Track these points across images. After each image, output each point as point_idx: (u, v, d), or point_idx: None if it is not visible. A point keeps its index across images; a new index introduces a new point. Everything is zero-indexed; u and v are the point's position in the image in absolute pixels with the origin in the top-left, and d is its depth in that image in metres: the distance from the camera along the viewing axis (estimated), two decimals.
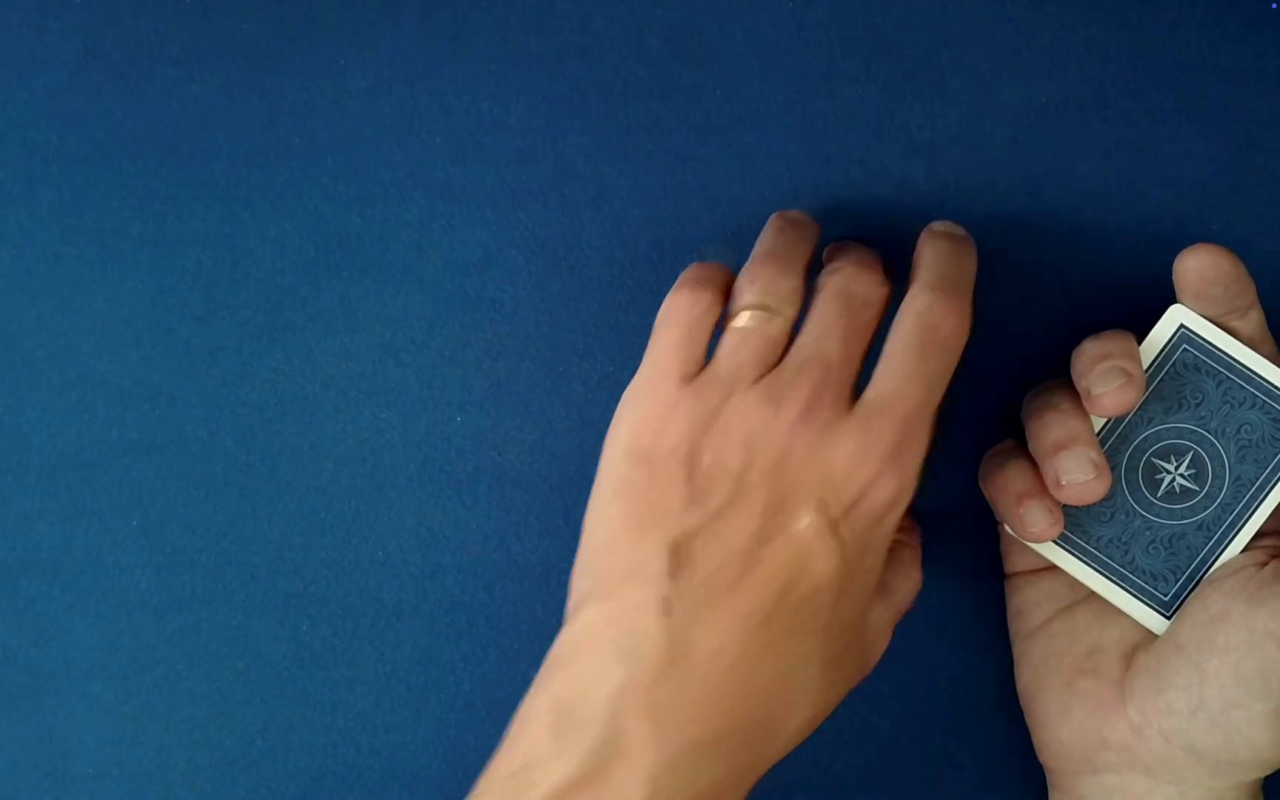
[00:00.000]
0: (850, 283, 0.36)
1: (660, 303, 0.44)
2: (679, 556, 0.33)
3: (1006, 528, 0.40)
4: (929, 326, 0.35)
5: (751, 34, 0.45)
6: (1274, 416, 0.39)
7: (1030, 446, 0.38)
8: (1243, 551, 0.39)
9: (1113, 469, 0.39)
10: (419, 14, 0.45)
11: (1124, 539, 0.39)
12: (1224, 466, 0.39)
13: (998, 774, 0.43)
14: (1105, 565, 0.39)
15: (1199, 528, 0.39)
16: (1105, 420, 0.39)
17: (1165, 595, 0.39)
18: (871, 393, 0.34)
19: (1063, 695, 0.39)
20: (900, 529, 0.38)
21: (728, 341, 0.35)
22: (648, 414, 0.35)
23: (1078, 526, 0.39)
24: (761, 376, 0.34)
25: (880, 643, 0.37)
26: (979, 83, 0.44)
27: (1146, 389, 0.39)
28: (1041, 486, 0.38)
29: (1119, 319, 0.43)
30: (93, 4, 0.46)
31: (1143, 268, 0.44)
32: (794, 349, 0.35)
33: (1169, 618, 0.39)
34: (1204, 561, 0.39)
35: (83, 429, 0.45)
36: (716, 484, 0.33)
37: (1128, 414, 0.39)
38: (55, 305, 0.44)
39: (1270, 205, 0.43)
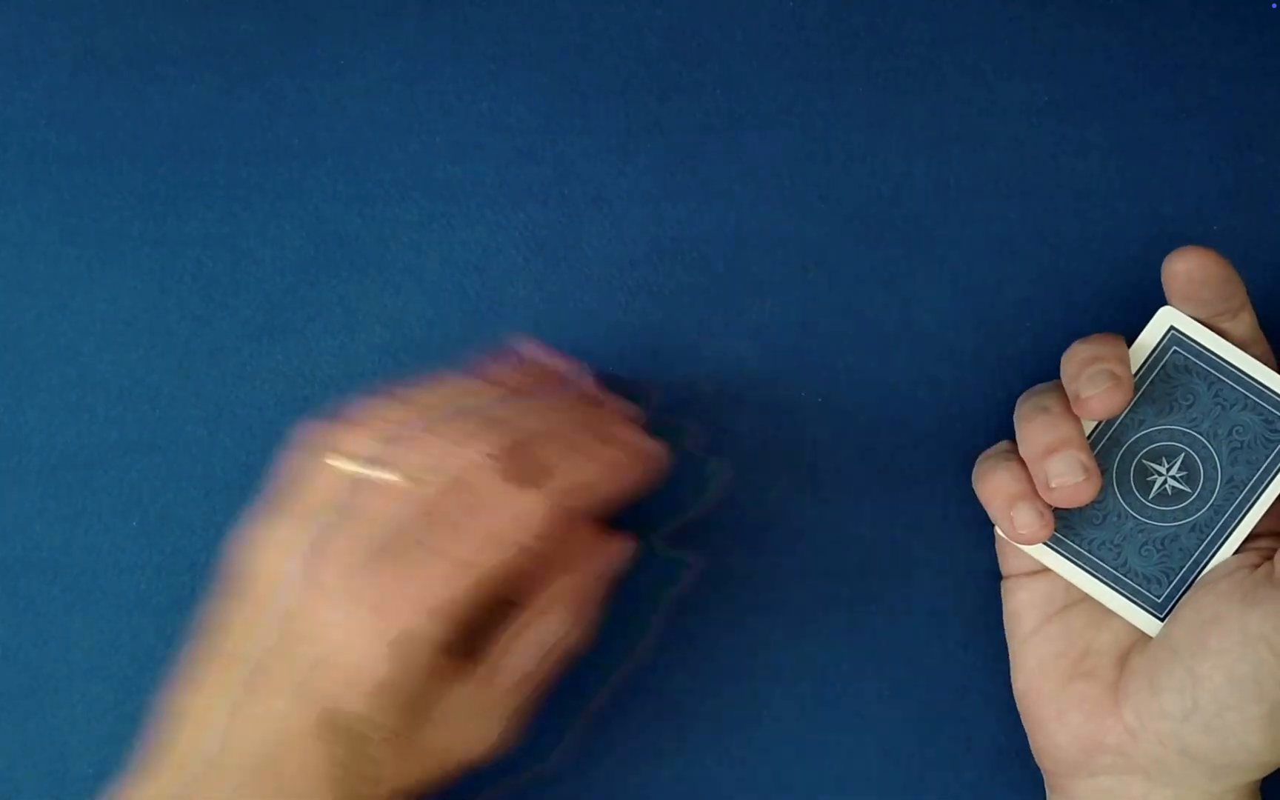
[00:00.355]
0: (446, 441, 0.36)
1: (659, 303, 0.44)
2: (221, 662, 0.36)
3: (999, 530, 0.40)
4: (502, 518, 0.35)
5: (751, 34, 0.45)
6: (1266, 418, 0.39)
7: (1021, 449, 0.39)
8: (1236, 553, 0.39)
9: (1104, 471, 0.39)
10: (419, 14, 0.45)
11: (1116, 541, 0.39)
12: (1216, 468, 0.39)
13: (997, 776, 0.43)
14: (1098, 567, 0.39)
15: (1191, 529, 0.39)
16: (1096, 423, 0.39)
17: (1158, 597, 0.39)
18: (414, 558, 0.35)
19: (1058, 698, 0.39)
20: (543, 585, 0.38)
21: (326, 482, 0.37)
22: (253, 525, 0.37)
23: (1070, 529, 0.39)
24: (335, 519, 0.36)
25: (470, 734, 0.37)
26: (979, 83, 0.44)
27: (1137, 391, 0.39)
28: (1032, 489, 0.38)
29: (1119, 320, 0.43)
30: (93, 4, 0.46)
31: (1143, 269, 0.44)
32: (369, 498, 0.36)
33: (1162, 620, 0.39)
34: (1197, 563, 0.39)
35: (83, 429, 0.45)
36: (253, 607, 0.36)
37: (1118, 416, 0.39)
38: (55, 305, 0.44)
39: (1270, 205, 0.43)
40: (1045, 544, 0.39)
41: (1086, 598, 0.40)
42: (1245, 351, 0.39)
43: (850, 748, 0.43)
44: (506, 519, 0.35)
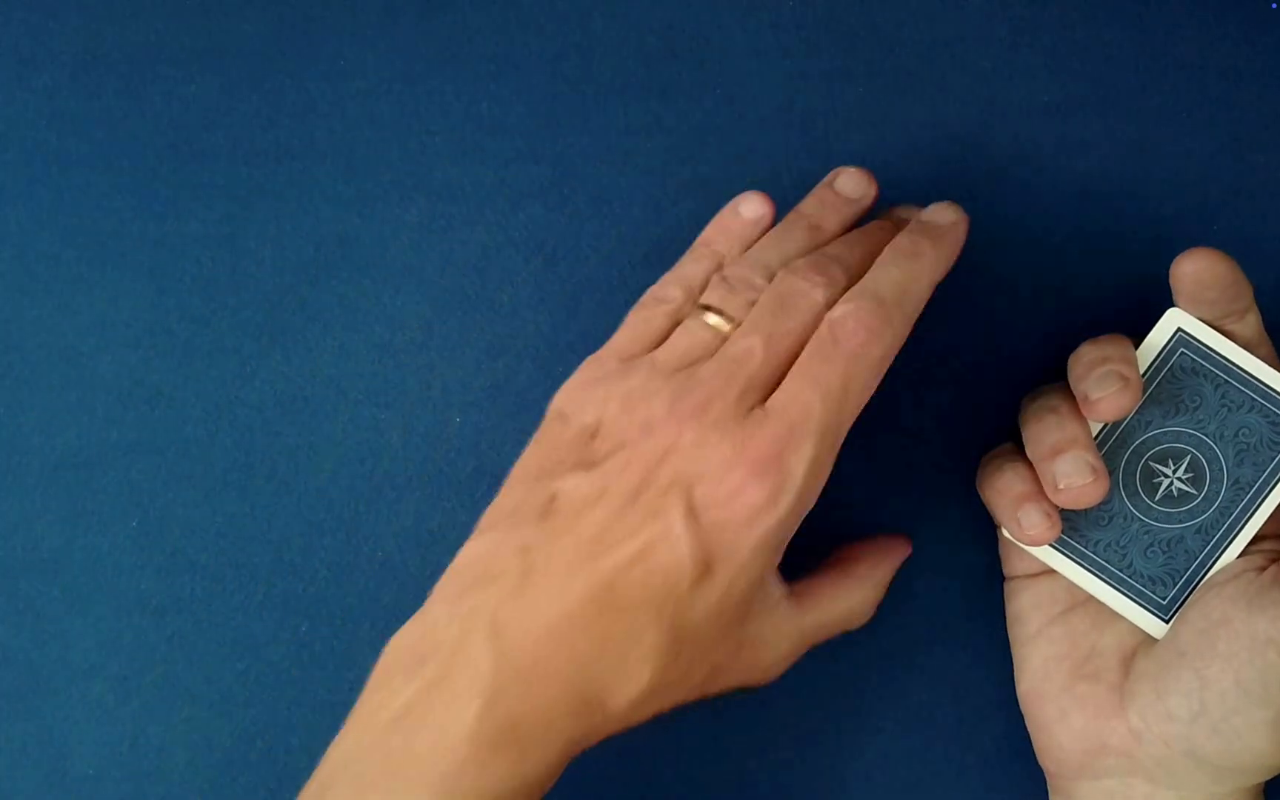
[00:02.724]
0: (791, 284, 0.37)
1: None
2: (551, 506, 0.35)
3: (1004, 531, 0.40)
4: (834, 337, 0.35)
5: (751, 34, 0.45)
6: (1272, 420, 0.39)
7: (1028, 450, 0.39)
8: (1241, 555, 0.39)
9: (1110, 473, 0.39)
10: (419, 14, 0.45)
11: (1122, 543, 0.39)
12: (1222, 470, 0.39)
13: (999, 777, 0.43)
14: (1103, 569, 0.39)
15: (1197, 531, 0.39)
16: (1103, 424, 0.39)
17: (1163, 599, 0.39)
18: (770, 398, 0.35)
19: (1062, 700, 0.39)
20: (867, 548, 0.40)
21: (673, 334, 0.37)
22: (583, 379, 0.37)
23: (1075, 531, 0.39)
24: (683, 368, 0.36)
25: (775, 651, 0.37)
26: (979, 83, 0.44)
27: (1144, 393, 0.39)
28: (1039, 490, 0.38)
29: (1120, 320, 0.43)
30: (93, 4, 0.46)
31: (1144, 269, 0.44)
32: (723, 345, 0.36)
33: (1167, 622, 0.39)
34: (1202, 565, 0.39)
35: (83, 429, 0.45)
36: (606, 454, 0.35)
37: (1125, 418, 0.39)
38: (55, 305, 0.44)
39: (1270, 205, 0.43)
40: (1050, 545, 0.39)
41: (1090, 599, 0.40)
42: (1251, 353, 0.39)
43: (850, 748, 0.43)
44: (846, 352, 0.35)
